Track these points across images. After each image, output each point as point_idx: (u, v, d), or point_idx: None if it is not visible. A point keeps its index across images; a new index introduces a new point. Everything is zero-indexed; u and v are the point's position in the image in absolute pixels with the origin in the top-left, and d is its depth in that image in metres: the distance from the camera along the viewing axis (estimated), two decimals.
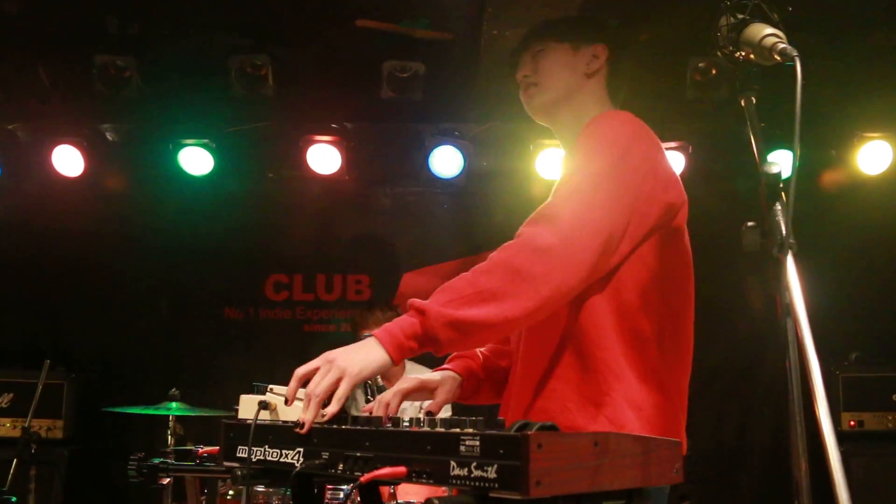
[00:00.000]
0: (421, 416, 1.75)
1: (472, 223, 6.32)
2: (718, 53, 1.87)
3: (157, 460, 3.34)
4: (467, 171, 5.83)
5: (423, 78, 5.30)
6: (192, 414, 4.40)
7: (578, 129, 2.23)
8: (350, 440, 1.71)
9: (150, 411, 4.35)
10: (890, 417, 5.11)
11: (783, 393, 1.53)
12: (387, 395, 2.01)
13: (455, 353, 2.29)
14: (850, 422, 5.10)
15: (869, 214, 5.70)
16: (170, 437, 4.33)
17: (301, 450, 1.81)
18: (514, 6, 4.38)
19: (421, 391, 2.05)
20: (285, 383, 1.91)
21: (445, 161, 5.77)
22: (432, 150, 5.76)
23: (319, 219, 6.32)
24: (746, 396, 5.91)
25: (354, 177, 6.01)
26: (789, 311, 1.52)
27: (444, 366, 2.22)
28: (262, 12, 4.93)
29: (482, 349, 2.38)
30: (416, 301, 1.86)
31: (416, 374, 5.54)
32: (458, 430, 1.51)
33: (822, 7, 4.43)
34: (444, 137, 5.77)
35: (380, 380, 4.27)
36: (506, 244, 1.94)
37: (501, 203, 6.08)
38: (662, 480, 1.65)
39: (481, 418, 1.58)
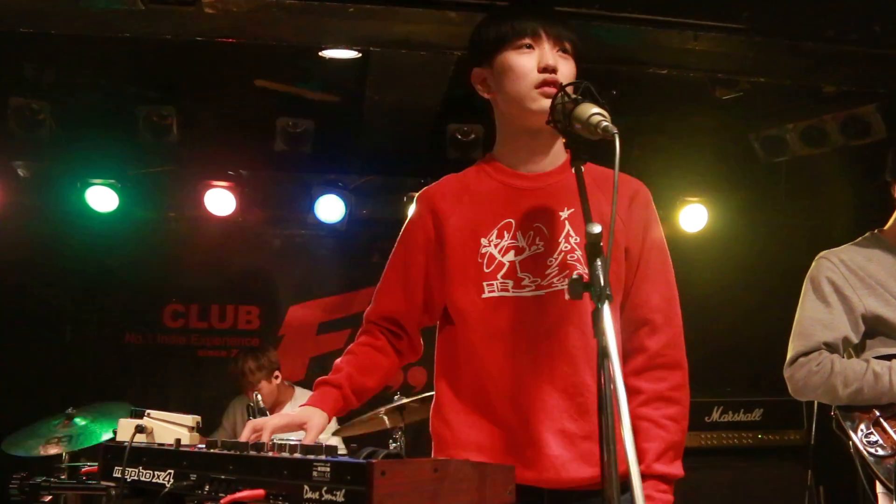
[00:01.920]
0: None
1: (352, 263, 6.29)
2: (554, 126, 1.88)
3: (39, 479, 3.11)
4: (348, 218, 5.80)
5: (312, 134, 5.28)
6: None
7: (558, 158, 2.07)
8: (216, 463, 1.63)
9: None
10: (703, 436, 5.23)
11: None
12: (258, 424, 1.90)
13: (322, 379, 2.05)
14: None
15: (688, 267, 5.89)
16: (64, 453, 4.05)
17: (172, 471, 1.72)
18: (393, 75, 4.40)
19: (289, 426, 1.92)
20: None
21: (329, 208, 5.72)
22: (318, 197, 5.72)
23: (214, 255, 6.15)
24: None
25: (247, 219, 5.90)
26: (606, 352, 1.52)
27: (312, 400, 2.00)
28: (170, 68, 4.81)
29: (347, 366, 2.06)
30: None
31: (306, 398, 5.42)
32: (312, 456, 1.46)
33: (653, 93, 4.61)
34: (329, 187, 5.74)
35: (261, 402, 4.14)
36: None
37: (378, 246, 6.04)
38: (496, 501, 1.62)
39: (335, 445, 1.53)
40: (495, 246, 2.03)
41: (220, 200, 5.65)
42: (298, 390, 5.30)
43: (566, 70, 2.01)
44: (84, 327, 6.02)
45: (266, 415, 4.02)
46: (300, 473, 1.44)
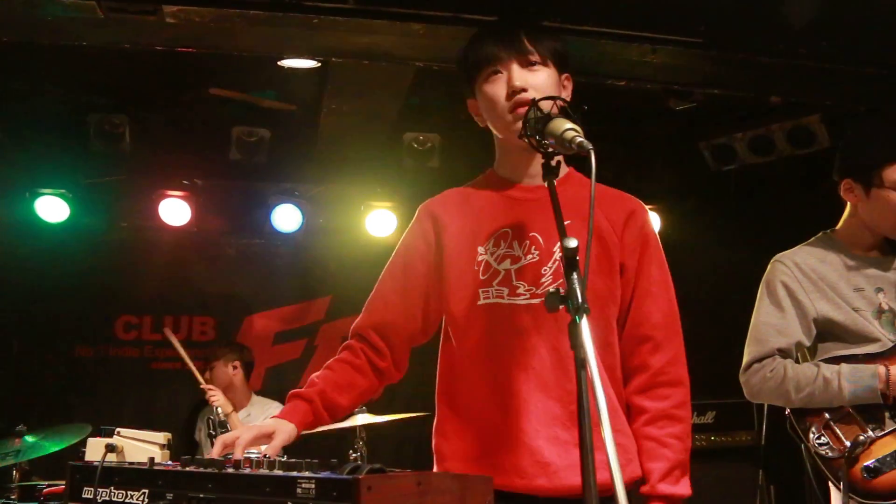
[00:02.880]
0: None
1: (308, 273, 6.24)
2: (527, 141, 1.90)
3: None
4: (305, 227, 5.79)
5: (268, 143, 5.27)
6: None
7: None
8: (193, 482, 1.61)
9: None
10: None
11: None
12: (227, 439, 1.87)
13: (295, 392, 2.03)
14: None
15: None
16: (15, 472, 3.92)
17: (146, 491, 1.69)
18: (351, 85, 4.39)
19: (259, 438, 1.91)
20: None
21: (286, 217, 5.72)
22: (274, 207, 5.71)
23: (168, 265, 6.02)
24: None
25: (203, 228, 5.81)
26: (584, 364, 1.54)
27: (283, 413, 1.99)
28: (122, 75, 4.71)
29: (322, 382, 2.04)
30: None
31: (262, 406, 5.34)
32: (295, 472, 1.46)
33: (605, 102, 4.67)
34: (285, 196, 5.73)
35: (221, 414, 4.10)
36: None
37: (334, 255, 6.08)
38: None
39: (316, 461, 1.52)
40: (491, 254, 2.05)
41: (174, 210, 5.58)
42: (255, 397, 5.23)
43: (538, 81, 2.01)
44: (33, 340, 5.83)
45: (227, 428, 3.99)
46: (284, 490, 1.43)
